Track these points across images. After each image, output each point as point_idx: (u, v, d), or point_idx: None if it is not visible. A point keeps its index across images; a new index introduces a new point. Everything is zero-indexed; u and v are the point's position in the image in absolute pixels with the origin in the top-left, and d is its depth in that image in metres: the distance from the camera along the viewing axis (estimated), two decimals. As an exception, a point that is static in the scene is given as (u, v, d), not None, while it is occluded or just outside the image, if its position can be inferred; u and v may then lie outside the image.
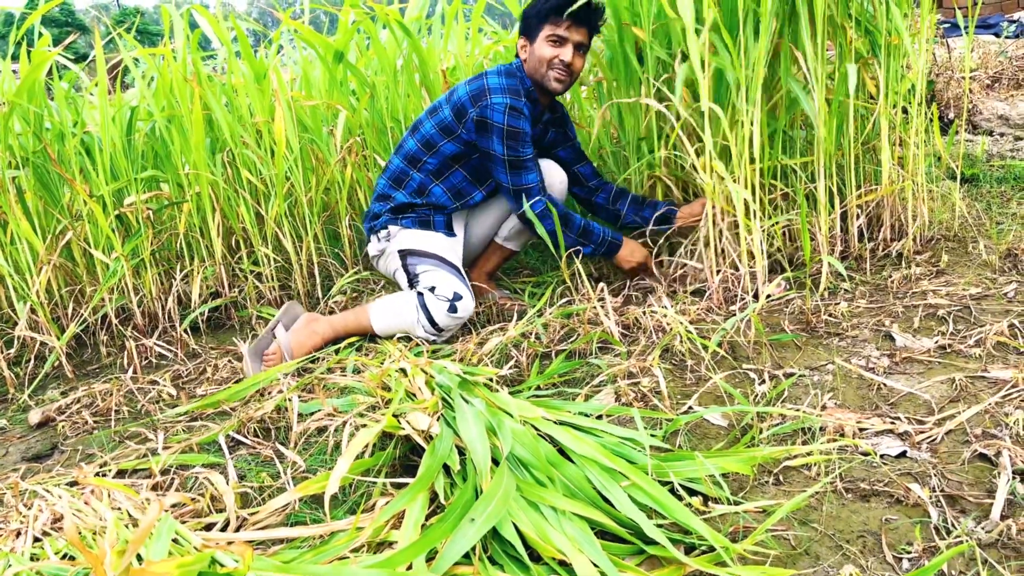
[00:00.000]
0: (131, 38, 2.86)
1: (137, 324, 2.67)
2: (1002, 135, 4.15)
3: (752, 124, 2.20)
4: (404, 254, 2.37)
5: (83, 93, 3.15)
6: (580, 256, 2.39)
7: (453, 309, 2.22)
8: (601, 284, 2.21)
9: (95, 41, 2.64)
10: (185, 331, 2.57)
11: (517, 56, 2.44)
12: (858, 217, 2.52)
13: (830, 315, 2.11)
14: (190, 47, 2.70)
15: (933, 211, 2.69)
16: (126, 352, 2.37)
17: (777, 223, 2.40)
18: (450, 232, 2.45)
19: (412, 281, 2.35)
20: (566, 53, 2.31)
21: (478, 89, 2.33)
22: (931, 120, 2.69)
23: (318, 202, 2.92)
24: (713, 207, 2.26)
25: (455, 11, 3.33)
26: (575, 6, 2.22)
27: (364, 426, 1.51)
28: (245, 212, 2.81)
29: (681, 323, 1.97)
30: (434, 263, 2.32)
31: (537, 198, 2.32)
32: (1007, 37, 5.94)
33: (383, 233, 2.42)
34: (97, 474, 1.68)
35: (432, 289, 2.24)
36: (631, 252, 2.47)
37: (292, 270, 2.85)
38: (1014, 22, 6.29)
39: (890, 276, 2.32)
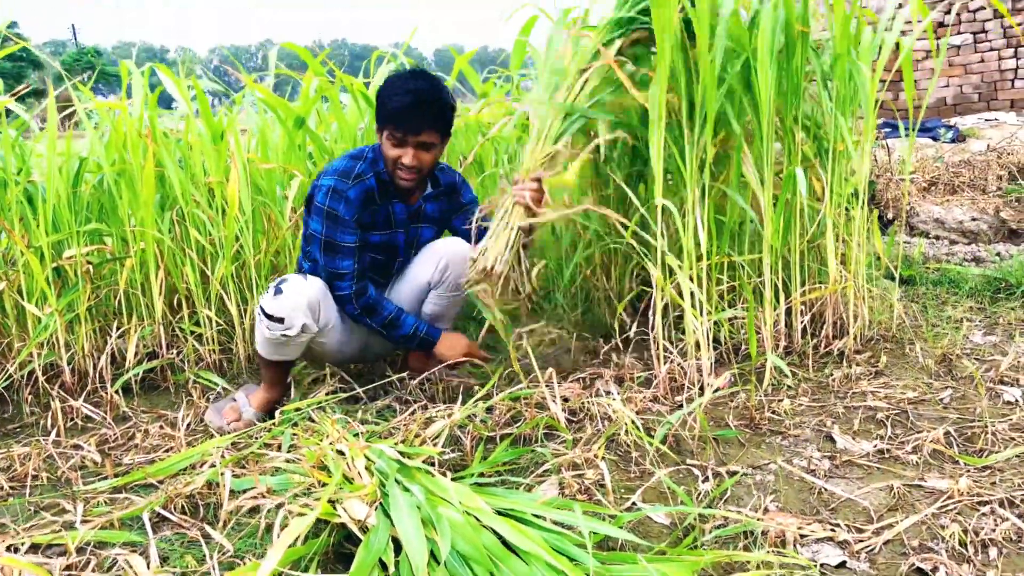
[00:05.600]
0: (87, 90, 2.82)
1: (65, 382, 2.55)
2: (938, 238, 4.33)
3: (696, 220, 2.25)
4: None
5: (30, 138, 3.07)
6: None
7: (278, 291, 2.19)
8: (549, 369, 2.20)
9: (48, 88, 2.60)
10: (116, 392, 2.47)
11: None
12: (802, 314, 2.57)
13: (773, 412, 2.13)
14: (148, 104, 2.67)
15: (873, 311, 2.76)
16: (51, 412, 2.26)
17: (725, 316, 2.43)
18: None
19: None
20: (407, 156, 2.21)
21: (321, 170, 2.37)
22: (872, 222, 2.79)
23: (267, 265, 2.88)
24: (663, 298, 2.29)
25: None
26: (409, 119, 2.15)
27: (302, 513, 1.45)
28: (190, 271, 2.74)
29: (627, 415, 1.96)
30: None
31: (347, 283, 2.30)
32: (944, 142, 6.23)
33: None
34: (9, 547, 1.57)
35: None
36: (450, 346, 2.42)
37: (234, 333, 2.78)
38: (951, 128, 6.62)
39: (832, 375, 2.36)
